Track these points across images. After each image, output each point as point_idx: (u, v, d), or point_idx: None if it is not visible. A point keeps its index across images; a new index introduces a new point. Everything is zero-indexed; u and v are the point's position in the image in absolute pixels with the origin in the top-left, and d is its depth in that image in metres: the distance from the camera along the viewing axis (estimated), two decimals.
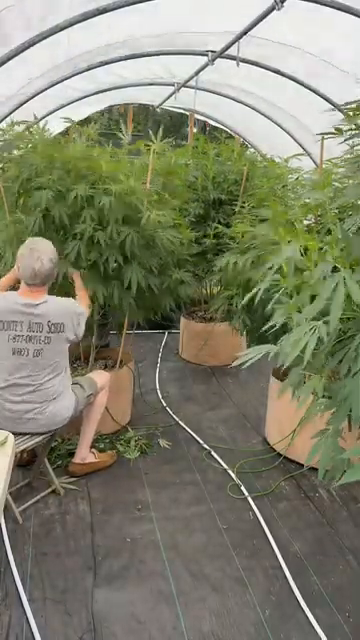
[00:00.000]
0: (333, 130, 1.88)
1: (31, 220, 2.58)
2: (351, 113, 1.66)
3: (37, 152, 2.64)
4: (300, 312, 1.57)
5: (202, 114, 6.90)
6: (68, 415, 2.47)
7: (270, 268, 1.70)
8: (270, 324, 1.76)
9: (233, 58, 3.97)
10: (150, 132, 2.89)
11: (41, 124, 2.89)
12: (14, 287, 2.56)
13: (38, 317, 2.36)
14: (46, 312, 2.36)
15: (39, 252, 2.35)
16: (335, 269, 1.38)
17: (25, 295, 2.38)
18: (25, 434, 2.41)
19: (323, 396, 1.49)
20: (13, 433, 2.34)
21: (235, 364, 1.67)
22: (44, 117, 5.24)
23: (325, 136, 2.02)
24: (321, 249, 1.64)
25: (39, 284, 2.38)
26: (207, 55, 4.29)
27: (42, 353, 2.36)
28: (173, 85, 5.43)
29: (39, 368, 2.38)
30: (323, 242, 1.66)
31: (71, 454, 2.81)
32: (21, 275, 2.38)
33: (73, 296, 2.65)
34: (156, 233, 2.68)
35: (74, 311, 2.46)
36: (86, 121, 6.38)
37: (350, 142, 2.03)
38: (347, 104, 1.68)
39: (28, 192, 2.66)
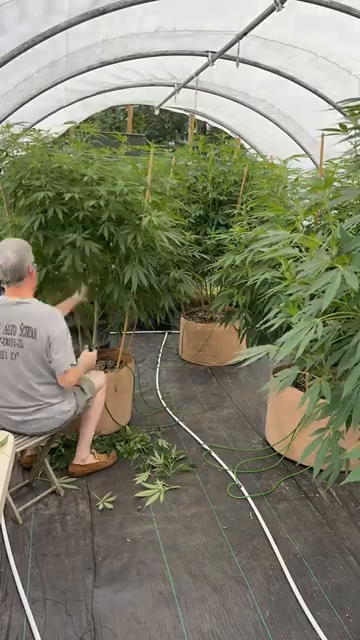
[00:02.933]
0: (331, 128, 1.87)
1: (29, 220, 2.58)
2: (357, 112, 1.66)
3: (34, 156, 2.64)
4: (300, 308, 1.57)
5: (202, 114, 6.91)
6: (64, 420, 2.44)
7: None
8: (270, 322, 1.76)
9: (233, 59, 3.98)
10: (144, 138, 2.91)
11: (41, 125, 2.89)
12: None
13: (13, 319, 2.30)
14: (22, 313, 2.30)
15: (3, 246, 2.29)
16: (332, 268, 1.38)
17: (8, 295, 2.36)
18: (24, 435, 2.41)
19: (322, 397, 1.48)
20: (12, 433, 2.35)
21: (235, 360, 1.67)
22: (45, 118, 5.25)
23: (325, 137, 2.02)
24: (320, 247, 1.64)
25: (13, 281, 2.30)
26: (207, 56, 4.30)
27: (18, 357, 2.30)
28: (173, 86, 5.45)
29: (20, 371, 2.33)
30: (323, 242, 1.66)
31: (71, 454, 2.81)
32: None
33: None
34: (155, 234, 2.68)
35: (51, 320, 2.30)
36: (89, 120, 6.39)
37: (352, 141, 2.03)
38: (347, 101, 1.68)
39: (26, 193, 2.66)
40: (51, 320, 2.32)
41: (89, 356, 2.66)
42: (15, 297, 2.34)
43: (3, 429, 2.37)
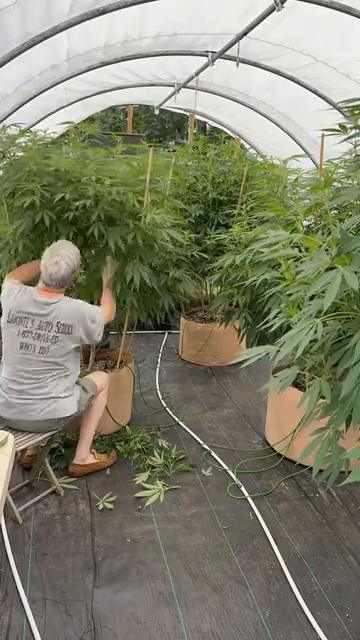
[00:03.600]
0: (331, 129, 1.87)
1: (19, 222, 2.58)
2: (357, 112, 1.66)
3: (30, 158, 2.64)
4: (300, 308, 1.57)
5: (202, 114, 6.91)
6: (67, 416, 2.47)
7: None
8: (270, 323, 1.76)
9: (233, 59, 3.98)
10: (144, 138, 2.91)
11: (41, 125, 2.89)
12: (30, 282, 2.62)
13: (48, 316, 2.40)
14: (57, 312, 2.41)
15: (59, 257, 2.42)
16: (332, 268, 1.38)
17: (41, 293, 2.45)
18: (25, 433, 2.41)
19: (322, 397, 1.48)
20: (13, 430, 2.36)
21: (235, 361, 1.68)
22: (45, 117, 5.25)
23: (325, 137, 2.02)
24: (320, 247, 1.64)
25: (54, 287, 2.44)
26: (207, 56, 4.30)
27: (47, 352, 2.40)
28: (173, 86, 5.44)
29: (43, 366, 2.41)
30: (323, 242, 1.67)
31: (71, 454, 2.81)
32: (41, 273, 2.46)
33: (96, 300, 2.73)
34: (156, 233, 2.68)
35: (86, 313, 2.46)
36: (89, 120, 6.39)
37: (352, 141, 2.03)
38: (347, 101, 1.68)
39: (22, 196, 2.66)
40: (83, 312, 2.47)
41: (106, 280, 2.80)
42: (46, 296, 2.44)
43: (6, 427, 2.38)
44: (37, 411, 2.39)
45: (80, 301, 2.53)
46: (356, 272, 1.29)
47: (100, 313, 2.55)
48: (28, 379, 2.41)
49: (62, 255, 2.43)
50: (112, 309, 2.70)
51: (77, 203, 2.52)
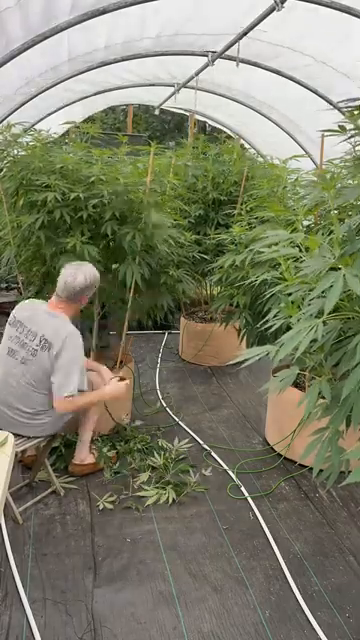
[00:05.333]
0: (331, 129, 1.87)
1: (33, 218, 2.58)
2: (356, 112, 1.66)
3: (35, 155, 2.64)
4: (300, 308, 1.57)
5: (202, 114, 6.90)
6: (59, 425, 2.46)
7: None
8: (270, 323, 1.76)
9: (233, 59, 3.98)
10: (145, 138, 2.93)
11: (41, 125, 2.90)
12: None
13: (36, 325, 2.37)
14: (46, 324, 2.35)
15: (78, 269, 2.39)
16: (334, 268, 1.38)
17: (49, 306, 2.45)
18: (24, 436, 2.41)
19: (322, 397, 1.48)
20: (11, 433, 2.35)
21: (235, 361, 1.67)
22: (45, 117, 5.24)
23: (325, 137, 2.02)
24: (321, 247, 1.64)
25: (64, 299, 2.40)
26: (207, 56, 4.30)
27: (27, 363, 2.36)
28: (173, 86, 5.44)
29: (25, 375, 2.37)
30: (324, 243, 1.66)
31: (71, 454, 2.81)
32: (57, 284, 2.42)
33: None
34: (155, 233, 2.69)
35: (69, 343, 2.31)
36: (89, 120, 6.39)
37: (352, 141, 2.03)
38: (348, 100, 1.68)
39: (27, 193, 2.65)
40: (69, 343, 2.32)
41: (116, 386, 2.55)
42: (50, 308, 2.43)
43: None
44: (16, 423, 2.38)
45: (72, 326, 2.37)
46: (357, 275, 1.28)
47: (70, 374, 2.30)
48: (11, 387, 2.38)
49: (83, 269, 2.39)
50: (76, 406, 2.39)
51: (93, 202, 2.52)
